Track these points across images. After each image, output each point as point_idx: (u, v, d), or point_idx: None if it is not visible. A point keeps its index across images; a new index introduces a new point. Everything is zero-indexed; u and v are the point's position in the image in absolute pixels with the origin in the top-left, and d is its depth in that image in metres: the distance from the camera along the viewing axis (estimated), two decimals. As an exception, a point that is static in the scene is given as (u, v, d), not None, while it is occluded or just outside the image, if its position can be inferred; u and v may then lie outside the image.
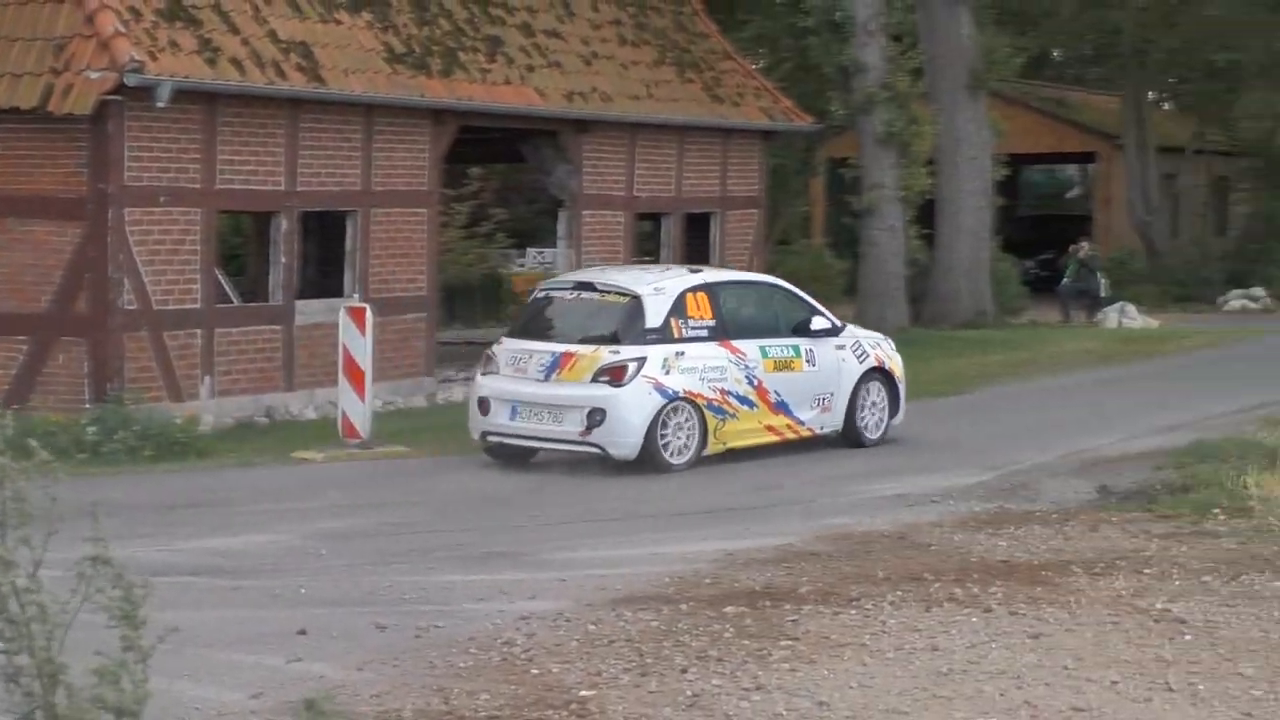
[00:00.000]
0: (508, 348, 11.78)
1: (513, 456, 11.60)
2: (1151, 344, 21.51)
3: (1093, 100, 36.83)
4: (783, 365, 11.89)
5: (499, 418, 11.52)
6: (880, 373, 12.41)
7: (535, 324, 11.99)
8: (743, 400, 11.62)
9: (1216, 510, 9.12)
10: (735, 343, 11.70)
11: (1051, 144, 34.28)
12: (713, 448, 11.40)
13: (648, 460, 11.07)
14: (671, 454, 11.18)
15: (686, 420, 11.30)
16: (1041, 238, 34.67)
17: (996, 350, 20.38)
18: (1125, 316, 25.02)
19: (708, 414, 11.37)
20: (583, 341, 11.42)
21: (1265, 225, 31.76)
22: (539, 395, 11.33)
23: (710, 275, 12.58)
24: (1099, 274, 26.67)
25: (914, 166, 22.38)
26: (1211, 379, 17.01)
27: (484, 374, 11.79)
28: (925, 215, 24.04)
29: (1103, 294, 26.08)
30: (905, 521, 9.27)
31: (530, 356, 11.51)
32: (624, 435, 11.07)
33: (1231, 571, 7.61)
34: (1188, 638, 6.45)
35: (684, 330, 11.49)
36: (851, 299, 22.69)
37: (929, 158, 23.00)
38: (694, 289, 11.77)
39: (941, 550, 8.39)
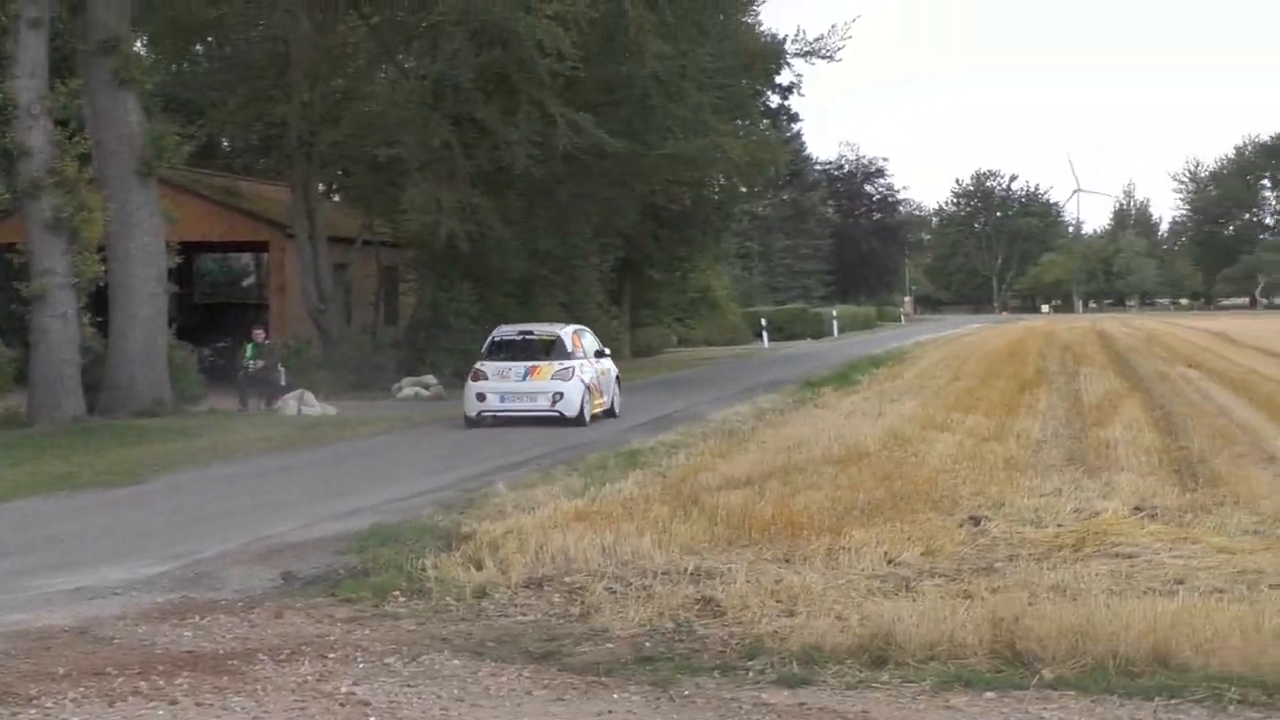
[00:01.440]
0: (491, 366, 23.52)
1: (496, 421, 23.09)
2: (331, 431, 22.55)
3: (264, 190, 37.99)
4: (599, 372, 24.38)
5: (493, 403, 23.15)
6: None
7: (502, 353, 23.97)
8: (591, 389, 23.70)
9: (397, 592, 9.62)
10: (588, 360, 24.09)
11: (225, 232, 34.90)
12: (590, 412, 23.42)
13: (578, 418, 22.96)
14: (586, 417, 23.14)
15: (588, 398, 23.39)
16: (218, 325, 35.19)
17: (176, 439, 20.63)
18: (304, 404, 25.90)
19: (594, 393, 23.76)
20: (540, 358, 23.61)
21: (432, 315, 34.13)
22: (519, 389, 23.16)
23: (573, 326, 25.96)
24: (278, 362, 27.60)
25: (85, 253, 22.17)
26: (390, 465, 18.18)
27: (476, 380, 23.38)
28: (98, 302, 23.69)
29: (282, 382, 26.98)
30: (86, 615, 9.19)
31: (510, 369, 23.40)
32: (573, 407, 23.07)
33: (412, 652, 8.09)
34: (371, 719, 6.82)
35: (579, 353, 23.98)
36: (23, 388, 21.85)
37: (101, 244, 22.79)
38: (575, 331, 25.04)
39: (125, 643, 8.41)
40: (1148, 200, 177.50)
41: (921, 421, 20.23)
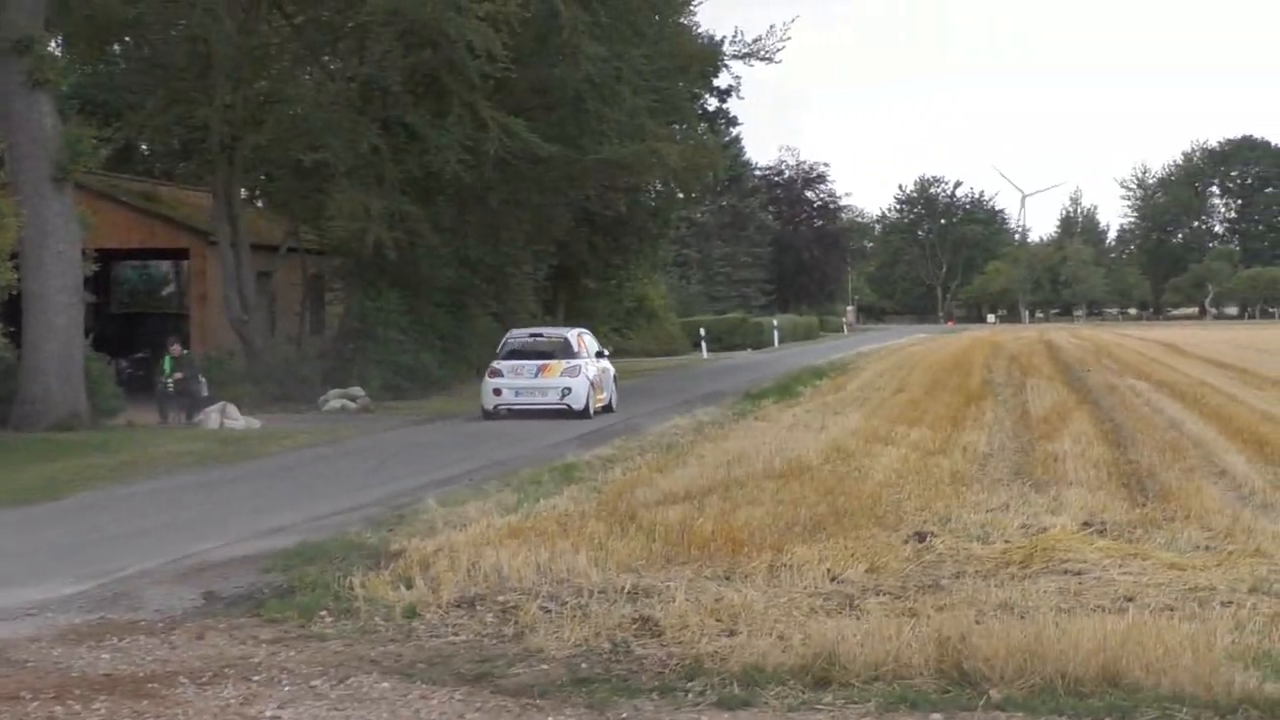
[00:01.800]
0: (506, 364, 27.65)
1: (508, 416, 27.08)
2: (255, 445, 22.46)
3: (185, 195, 37.65)
4: (600, 370, 28.51)
5: (508, 397, 27.23)
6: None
7: (515, 353, 28.12)
8: (594, 385, 27.77)
9: (324, 612, 9.61)
10: (591, 360, 28.31)
11: (144, 239, 34.59)
12: (594, 406, 27.50)
13: (583, 411, 27.06)
14: (591, 410, 27.19)
15: (592, 393, 27.39)
16: (136, 335, 34.85)
17: (93, 453, 20.47)
18: (227, 417, 25.76)
19: (597, 389, 27.83)
20: (550, 358, 27.64)
21: (359, 325, 33.98)
22: (532, 384, 27.29)
23: (577, 329, 30.35)
24: (198, 374, 27.40)
25: (-3, 261, 21.81)
26: (317, 480, 18.10)
27: (493, 376, 27.53)
28: (11, 312, 23.41)
29: (203, 394, 26.81)
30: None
31: (523, 366, 27.50)
32: (580, 401, 27.18)
33: (340, 674, 8.10)
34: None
35: (583, 353, 28.18)
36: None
37: (13, 252, 22.50)
38: (579, 334, 29.42)
39: (40, 666, 8.36)
40: (1095, 207, 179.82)
41: (865, 435, 20.36)
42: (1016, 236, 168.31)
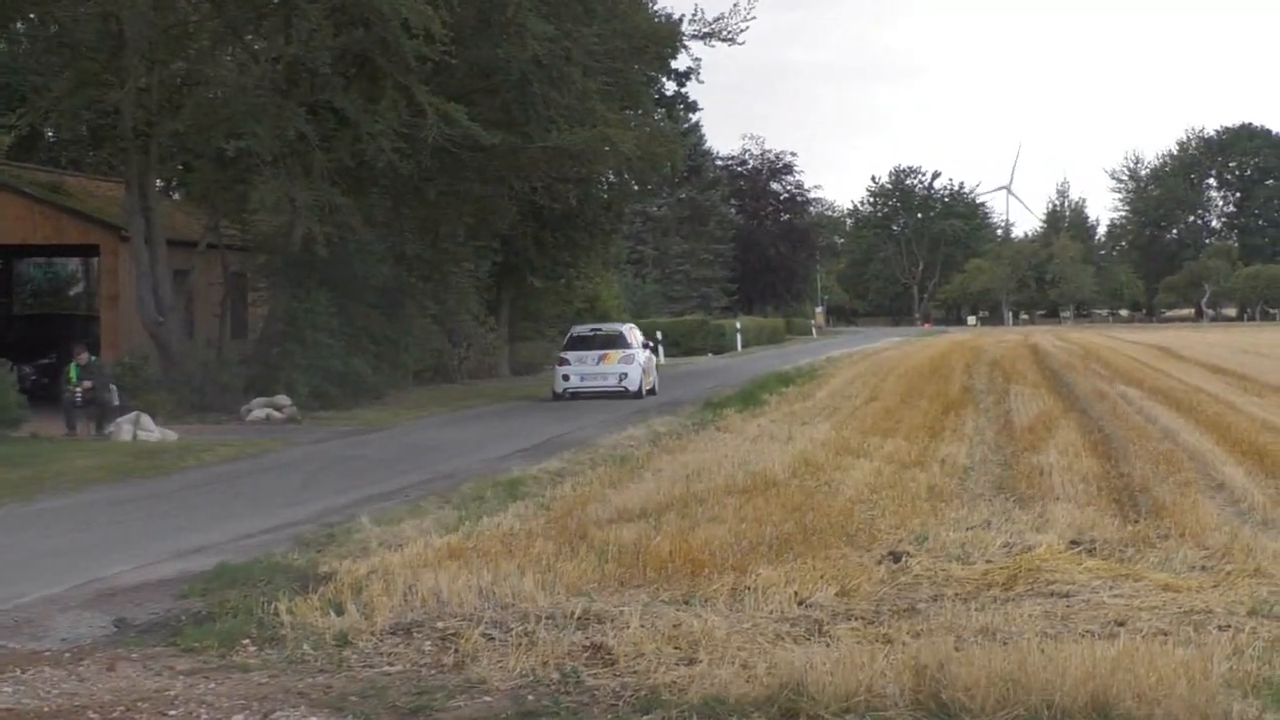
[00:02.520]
0: (572, 355, 36.87)
1: (575, 397, 35.61)
2: (171, 459, 22.40)
3: (95, 187, 37.43)
4: (646, 359, 37.57)
5: (575, 382, 36.18)
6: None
7: (578, 345, 37.36)
8: (645, 372, 36.81)
9: (246, 640, 9.61)
10: (640, 350, 37.33)
11: (49, 234, 34.34)
12: (645, 388, 36.50)
13: (636, 393, 35.94)
14: (643, 392, 36.20)
15: (645, 376, 36.70)
16: (42, 339, 34.59)
17: (-9, 470, 20.30)
18: (141, 429, 25.65)
19: (646, 374, 36.81)
20: (609, 348, 37.00)
21: (286, 327, 33.83)
22: (595, 371, 36.38)
23: (628, 324, 40.81)
24: (109, 381, 27.23)
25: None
26: (239, 497, 18.09)
27: (561, 365, 36.82)
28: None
29: (115, 403, 26.68)
30: (-110, 677, 9.01)
31: (587, 356, 36.65)
32: (634, 384, 36.20)
33: (264, 708, 8.10)
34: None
35: (639, 344, 37.71)
36: None
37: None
38: (629, 327, 39.30)
39: (-61, 707, 8.24)
40: (1083, 200, 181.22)
41: (835, 446, 20.45)
42: (999, 232, 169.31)
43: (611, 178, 47.17)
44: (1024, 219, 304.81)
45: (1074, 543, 12.58)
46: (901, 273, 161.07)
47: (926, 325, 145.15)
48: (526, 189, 39.08)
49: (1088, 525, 13.47)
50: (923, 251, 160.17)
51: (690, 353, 68.34)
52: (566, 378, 36.81)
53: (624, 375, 36.61)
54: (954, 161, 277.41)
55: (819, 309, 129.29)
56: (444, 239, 39.29)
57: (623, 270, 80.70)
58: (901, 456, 19.32)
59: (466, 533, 13.45)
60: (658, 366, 43.37)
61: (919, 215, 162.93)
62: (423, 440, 25.91)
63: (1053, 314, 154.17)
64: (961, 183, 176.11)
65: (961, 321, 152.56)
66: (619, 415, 29.69)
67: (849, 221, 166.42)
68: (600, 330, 39.05)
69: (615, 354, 37.02)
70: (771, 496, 15.22)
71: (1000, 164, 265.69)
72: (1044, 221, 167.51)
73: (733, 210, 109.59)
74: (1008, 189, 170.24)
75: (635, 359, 36.96)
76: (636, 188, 50.64)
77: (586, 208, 46.80)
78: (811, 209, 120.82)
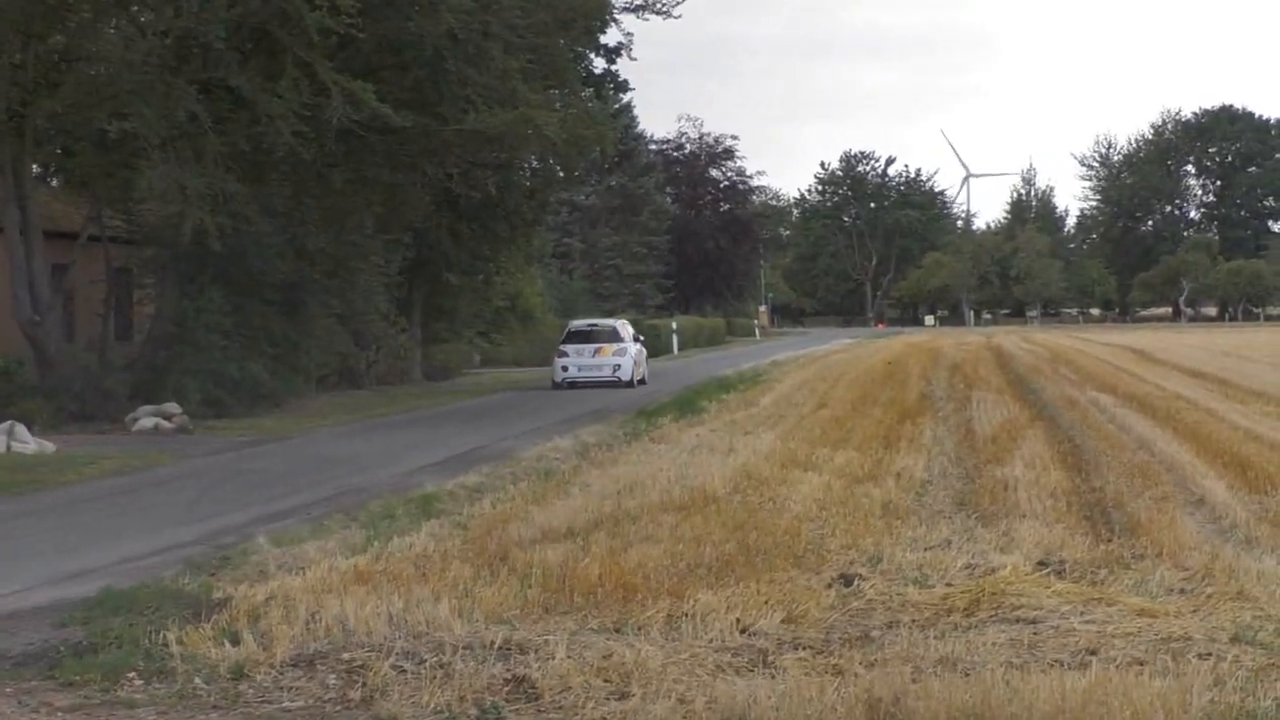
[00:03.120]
0: (570, 348, 45.55)
1: (572, 386, 44.08)
2: (49, 473, 22.35)
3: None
4: (638, 352, 46.31)
5: (573, 373, 44.82)
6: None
7: (575, 339, 46.17)
8: (636, 364, 45.56)
9: (132, 674, 9.58)
10: (632, 343, 46.01)
11: (-93, 221, 33.89)
12: (636, 379, 44.97)
13: (629, 383, 44.39)
14: (635, 382, 44.53)
15: (637, 368, 45.39)
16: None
17: None
18: (15, 439, 25.50)
19: (637, 366, 45.57)
20: (604, 342, 45.75)
21: (175, 329, 33.64)
22: (590, 362, 45.07)
23: (621, 320, 50.62)
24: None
25: None
26: (125, 515, 18.02)
27: (560, 357, 45.48)
28: None
29: (-20, 414, 26.53)
30: None
31: (583, 349, 45.40)
32: (627, 375, 44.84)
33: None
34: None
35: (630, 339, 46.48)
36: None
37: None
38: (622, 323, 48.66)
39: None
40: (1050, 189, 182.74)
41: (781, 459, 20.53)
42: (959, 224, 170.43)
43: (535, 163, 47.18)
44: (985, 210, 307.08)
45: (1041, 564, 12.68)
46: (853, 268, 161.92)
47: (880, 325, 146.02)
48: (441, 176, 39.03)
49: (1056, 544, 13.57)
50: (876, 245, 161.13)
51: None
52: (565, 368, 45.02)
53: (617, 366, 44.91)
54: (910, 147, 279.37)
55: (763, 308, 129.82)
56: (350, 231, 39.16)
57: (547, 265, 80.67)
58: (853, 470, 19.42)
59: (375, 554, 13.43)
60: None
61: (872, 205, 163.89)
62: (327, 452, 25.82)
63: (1018, 313, 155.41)
64: (918, 169, 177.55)
65: (919, 321, 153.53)
66: (545, 424, 29.71)
67: (795, 212, 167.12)
68: (596, 326, 47.99)
69: (609, 347, 45.43)
70: (711, 514, 15.25)
71: (966, 145, 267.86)
72: (1006, 212, 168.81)
73: (668, 199, 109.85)
74: (968, 175, 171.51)
75: (627, 351, 45.54)
76: (562, 175, 50.68)
77: (507, 197, 46.80)
78: (755, 198, 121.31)
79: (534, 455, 22.83)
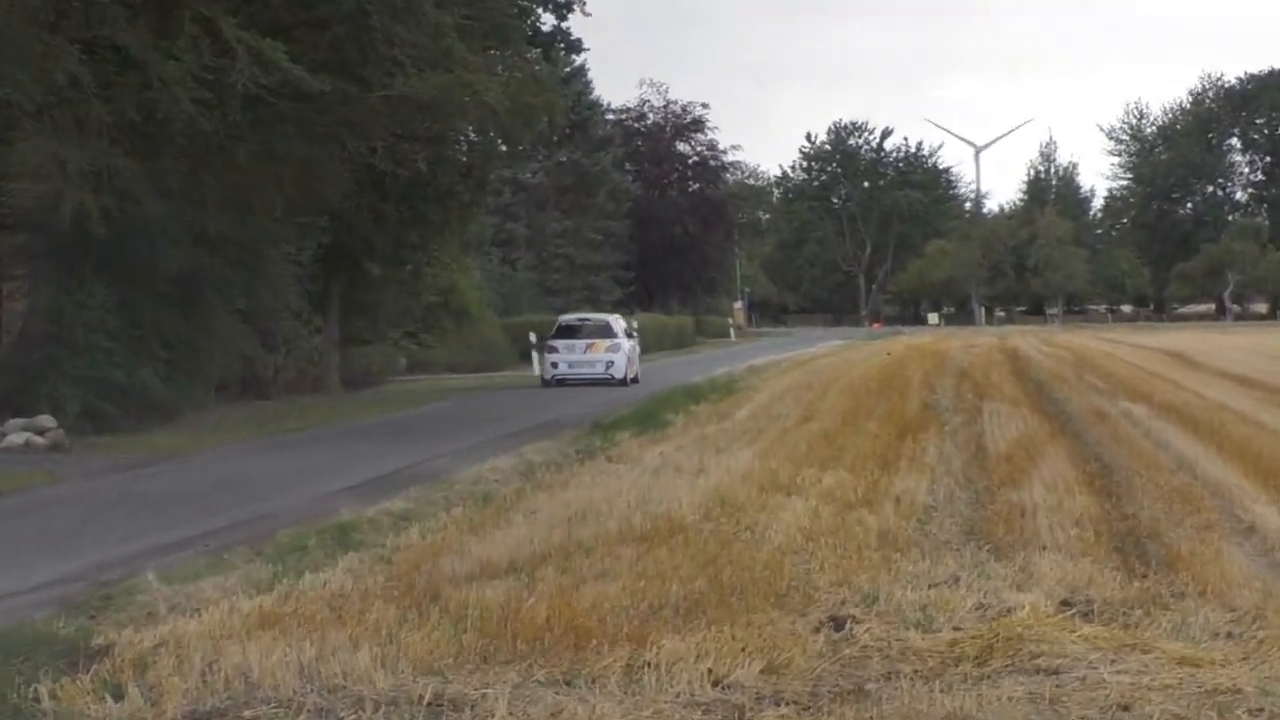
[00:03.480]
0: (560, 343, 51.63)
1: (561, 384, 50.34)
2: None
3: None
4: (631, 348, 52.32)
5: (563, 369, 50.77)
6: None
7: (565, 334, 52.31)
8: (630, 360, 51.59)
9: None
10: (625, 339, 51.87)
11: None
12: (630, 376, 50.98)
13: (622, 380, 50.06)
14: (628, 380, 50.36)
15: (630, 365, 51.47)
16: None
17: None
18: None
19: (631, 363, 51.70)
20: (596, 337, 51.71)
21: (50, 328, 33.44)
22: (582, 359, 51.05)
23: (614, 315, 58.98)
24: None
25: None
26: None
27: (550, 352, 51.60)
28: None
29: None
30: None
31: (574, 345, 51.31)
32: (620, 372, 50.68)
33: None
34: None
35: (623, 334, 52.55)
36: None
37: None
38: (615, 318, 56.13)
39: None
40: (1074, 166, 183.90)
41: (760, 481, 20.54)
42: (968, 206, 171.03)
43: (473, 136, 47.18)
44: (999, 191, 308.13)
45: (1065, 604, 12.67)
46: (844, 258, 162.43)
47: (876, 325, 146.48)
48: (364, 150, 38.95)
49: (1082, 581, 13.57)
50: (871, 231, 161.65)
51: (574, 360, 68.38)
52: (555, 365, 50.49)
53: (610, 363, 50.28)
54: (909, 117, 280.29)
55: (738, 304, 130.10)
56: (258, 214, 39.02)
57: (487, 254, 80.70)
58: (845, 493, 19.43)
59: (284, 593, 13.37)
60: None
61: (865, 185, 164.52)
62: (229, 473, 25.74)
63: (1036, 310, 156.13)
64: (919, 143, 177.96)
65: (921, 320, 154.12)
66: (483, 440, 29.70)
67: (777, 193, 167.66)
68: (588, 320, 54.20)
69: (602, 343, 50.78)
70: (678, 545, 15.23)
71: (975, 119, 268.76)
72: (1023, 193, 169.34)
73: (628, 178, 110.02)
74: (977, 151, 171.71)
75: (621, 347, 50.63)
76: (504, 149, 50.74)
77: (440, 174, 46.80)
78: (729, 176, 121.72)
79: (470, 477, 22.82)
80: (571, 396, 44.72)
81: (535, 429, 32.22)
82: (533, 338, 65.80)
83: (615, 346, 50.56)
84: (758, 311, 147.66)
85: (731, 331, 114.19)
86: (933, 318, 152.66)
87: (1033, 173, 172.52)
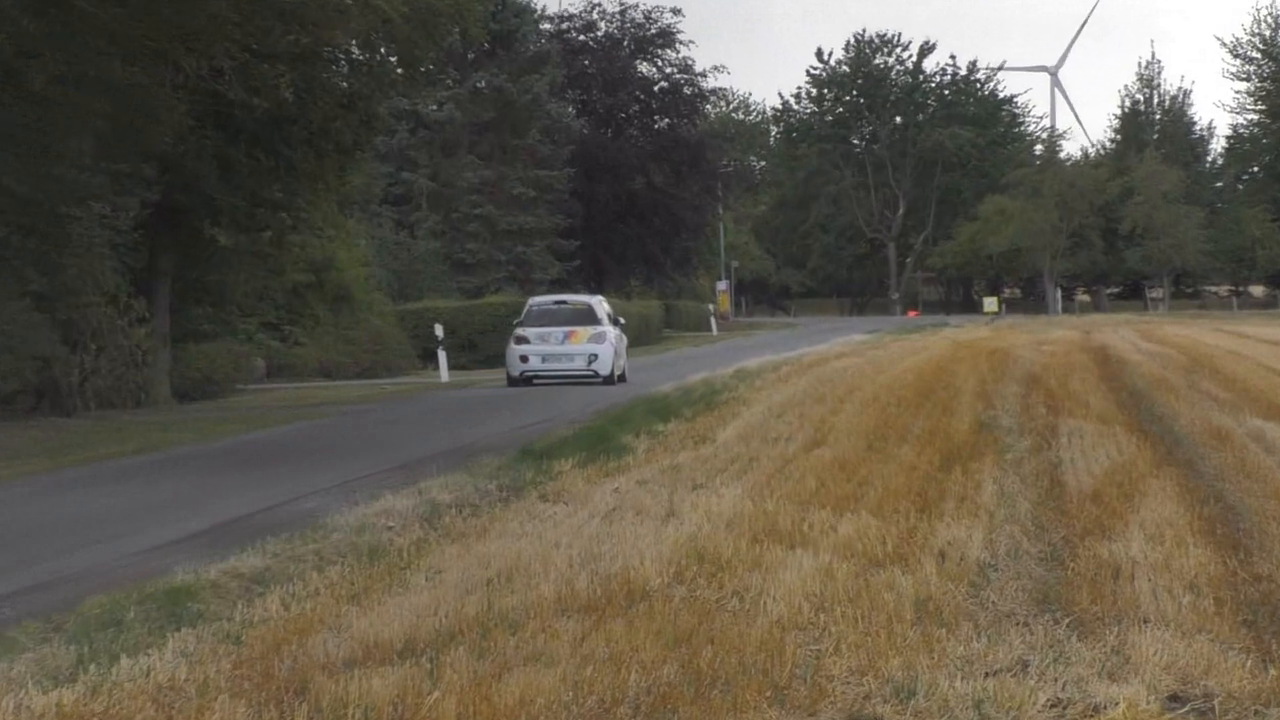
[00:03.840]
0: (532, 331, 59.04)
1: (531, 381, 58.93)
2: None
3: None
4: (617, 337, 60.80)
5: (535, 364, 58.71)
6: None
7: (540, 320, 59.66)
8: (617, 353, 59.94)
9: None
10: (610, 327, 60.19)
11: None
12: (616, 373, 59.47)
13: (609, 378, 58.05)
14: (615, 378, 58.52)
15: (617, 359, 59.56)
16: None
17: None
18: None
19: (618, 356, 59.90)
20: (576, 324, 59.10)
21: None
22: (559, 351, 58.77)
23: (598, 296, 69.74)
24: None
25: None
26: None
27: (518, 344, 58.76)
28: None
29: None
30: None
31: (550, 333, 58.87)
32: (605, 367, 58.68)
33: None
34: None
35: (608, 320, 60.36)
36: None
37: None
38: (599, 300, 64.83)
39: None
40: (1184, 95, 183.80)
41: (752, 528, 20.51)
42: (1039, 150, 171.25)
43: (356, 53, 47.07)
44: (1084, 126, 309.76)
45: (1175, 699, 12.68)
46: (867, 221, 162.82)
47: (912, 313, 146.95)
48: (204, 73, 38.83)
49: (1199, 667, 13.57)
50: (905, 184, 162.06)
51: (494, 360, 68.68)
52: (525, 359, 56.97)
53: (594, 356, 56.85)
54: (957, 26, 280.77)
55: (722, 285, 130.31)
56: (58, 160, 38.93)
57: (377, 217, 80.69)
58: (869, 546, 19.41)
59: (91, 685, 13.32)
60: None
61: (898, 120, 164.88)
62: (13, 520, 25.65)
63: (1133, 293, 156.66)
64: (972, 62, 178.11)
65: (973, 306, 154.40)
66: (372, 472, 29.69)
67: (775, 131, 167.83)
68: (566, 303, 60.98)
69: (584, 331, 57.28)
70: (638, 618, 15.21)
71: (1042, 28, 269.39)
72: (1114, 132, 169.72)
73: (571, 111, 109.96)
74: (1052, 74, 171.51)
75: (606, 337, 57.38)
76: (400, 72, 50.61)
77: (311, 106, 46.76)
78: (708, 109, 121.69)
79: (353, 523, 22.73)
80: (490, 410, 44.62)
81: (444, 456, 32.14)
82: (439, 331, 65.82)
83: (600, 335, 57.21)
84: (750, 295, 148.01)
85: (713, 322, 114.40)
86: (990, 303, 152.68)
87: (1128, 104, 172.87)
